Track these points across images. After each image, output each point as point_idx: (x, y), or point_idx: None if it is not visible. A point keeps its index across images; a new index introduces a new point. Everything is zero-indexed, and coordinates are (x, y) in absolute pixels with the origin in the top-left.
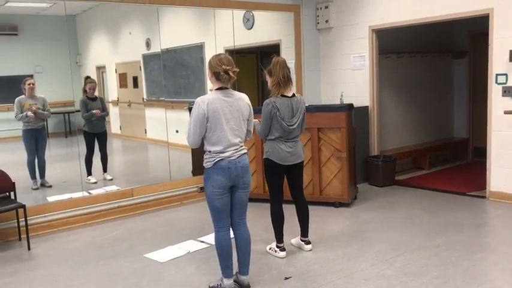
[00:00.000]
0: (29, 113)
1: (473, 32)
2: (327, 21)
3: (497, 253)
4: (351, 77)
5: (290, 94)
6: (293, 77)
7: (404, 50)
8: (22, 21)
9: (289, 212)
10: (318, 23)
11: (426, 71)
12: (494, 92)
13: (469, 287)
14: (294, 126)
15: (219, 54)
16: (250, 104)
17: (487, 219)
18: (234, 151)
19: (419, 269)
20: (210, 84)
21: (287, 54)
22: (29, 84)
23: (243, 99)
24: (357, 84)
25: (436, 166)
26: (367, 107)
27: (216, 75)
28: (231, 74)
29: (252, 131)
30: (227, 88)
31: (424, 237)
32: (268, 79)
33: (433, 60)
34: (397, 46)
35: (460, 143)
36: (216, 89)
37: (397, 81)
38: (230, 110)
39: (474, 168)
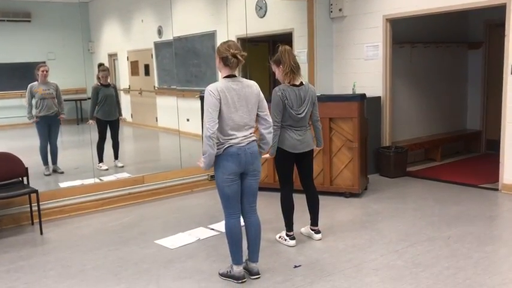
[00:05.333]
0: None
1: (489, 22)
2: (340, 9)
3: (509, 245)
4: (363, 66)
5: (298, 82)
6: (305, 66)
7: (419, 40)
8: (35, 8)
9: (300, 201)
10: (332, 11)
11: (440, 62)
12: (510, 83)
13: (479, 278)
14: (303, 115)
15: (227, 41)
16: (260, 91)
17: (499, 211)
18: (243, 138)
19: (430, 260)
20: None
21: (300, 43)
22: (43, 71)
23: (251, 86)
24: (369, 74)
25: (448, 158)
26: (380, 97)
27: (224, 60)
28: (239, 57)
29: (271, 120)
30: (235, 76)
31: (435, 228)
32: (276, 69)
33: (447, 51)
34: (411, 36)
35: (473, 135)
36: (225, 77)
37: (411, 71)
38: (238, 97)
39: (487, 160)
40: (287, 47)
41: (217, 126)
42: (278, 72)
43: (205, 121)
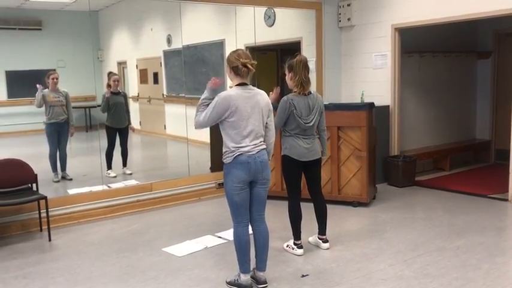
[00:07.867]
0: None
1: (499, 31)
2: (349, 19)
3: None
4: (372, 75)
5: (307, 92)
6: (313, 75)
7: (427, 49)
8: (46, 17)
9: (307, 210)
10: (340, 20)
11: (449, 71)
12: None
13: None
14: (311, 124)
15: (237, 50)
16: (269, 101)
17: (509, 222)
18: (254, 146)
19: (439, 271)
20: (229, 81)
21: (308, 52)
22: (53, 78)
23: (262, 95)
24: (378, 83)
25: (457, 168)
26: (388, 106)
27: (235, 70)
28: (249, 66)
29: (275, 130)
30: (246, 84)
31: (444, 238)
32: (287, 74)
33: (456, 60)
34: (420, 45)
35: (482, 144)
36: (236, 85)
37: (419, 80)
38: (251, 106)
39: (496, 170)
40: (303, 58)
41: (207, 126)
42: (288, 77)
43: (203, 115)
